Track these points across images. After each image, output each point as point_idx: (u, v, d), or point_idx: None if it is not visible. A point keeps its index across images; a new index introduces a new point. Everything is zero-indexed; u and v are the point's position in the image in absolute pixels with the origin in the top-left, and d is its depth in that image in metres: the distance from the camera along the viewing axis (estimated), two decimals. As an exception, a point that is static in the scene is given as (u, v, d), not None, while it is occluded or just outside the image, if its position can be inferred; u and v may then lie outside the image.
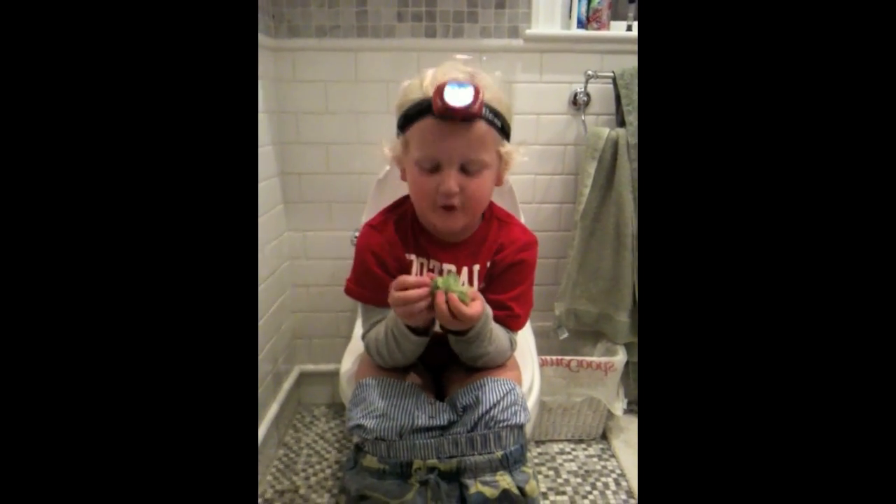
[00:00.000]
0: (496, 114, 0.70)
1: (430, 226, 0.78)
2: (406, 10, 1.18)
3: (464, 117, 0.66)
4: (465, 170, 0.70)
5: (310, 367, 1.41)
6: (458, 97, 0.65)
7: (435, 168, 0.71)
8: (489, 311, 0.73)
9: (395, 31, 1.19)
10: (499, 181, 0.77)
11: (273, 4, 1.16)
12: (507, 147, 0.74)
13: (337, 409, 1.42)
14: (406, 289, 0.67)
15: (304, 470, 1.21)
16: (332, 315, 1.37)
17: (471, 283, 0.79)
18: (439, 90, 0.66)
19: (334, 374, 0.92)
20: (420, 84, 0.70)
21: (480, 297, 0.71)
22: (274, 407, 1.24)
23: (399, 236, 0.79)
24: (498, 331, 0.76)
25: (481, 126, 0.69)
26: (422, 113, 0.69)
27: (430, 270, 0.79)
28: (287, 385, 1.33)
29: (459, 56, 1.18)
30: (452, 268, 0.78)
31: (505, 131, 0.73)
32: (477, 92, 0.66)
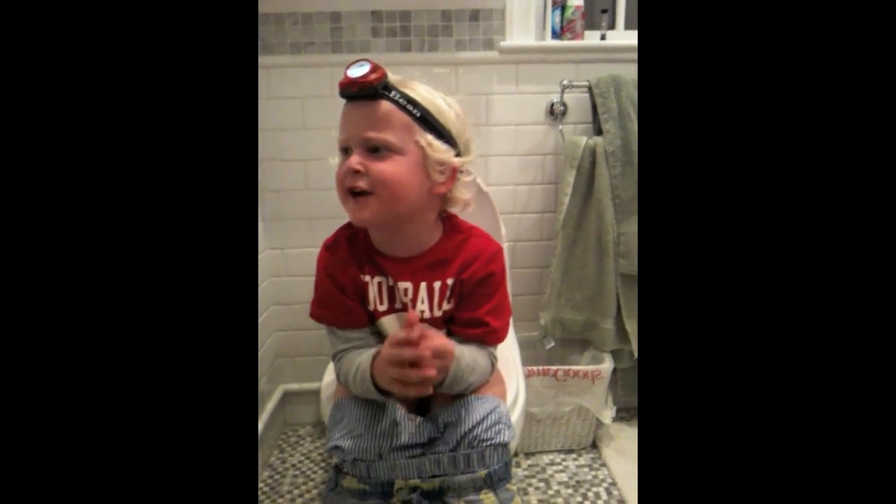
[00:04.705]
0: (412, 102, 0.68)
1: (374, 236, 0.75)
2: (380, 25, 1.18)
3: (360, 88, 0.66)
4: (371, 152, 0.68)
5: (294, 386, 1.39)
6: (355, 71, 0.66)
7: (347, 153, 0.69)
8: (455, 353, 0.69)
9: (370, 46, 1.19)
10: (441, 187, 0.71)
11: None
12: (428, 139, 0.69)
13: (323, 427, 1.40)
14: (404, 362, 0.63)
15: (289, 492, 1.18)
16: (316, 333, 1.35)
17: (431, 301, 0.75)
18: (344, 71, 0.67)
19: (319, 393, 0.91)
20: None
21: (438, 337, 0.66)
22: (258, 427, 1.22)
23: (352, 256, 0.76)
24: (474, 356, 0.73)
25: (385, 105, 0.67)
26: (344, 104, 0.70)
27: (391, 288, 0.75)
28: (271, 405, 1.31)
29: (436, 70, 1.20)
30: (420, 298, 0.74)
31: (427, 123, 0.69)
32: (374, 67, 0.66)
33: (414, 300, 0.74)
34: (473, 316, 0.75)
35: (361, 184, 0.67)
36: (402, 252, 0.75)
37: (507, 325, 0.79)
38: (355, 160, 0.67)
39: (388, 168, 0.67)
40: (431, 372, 0.62)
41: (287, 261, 1.31)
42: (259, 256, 1.25)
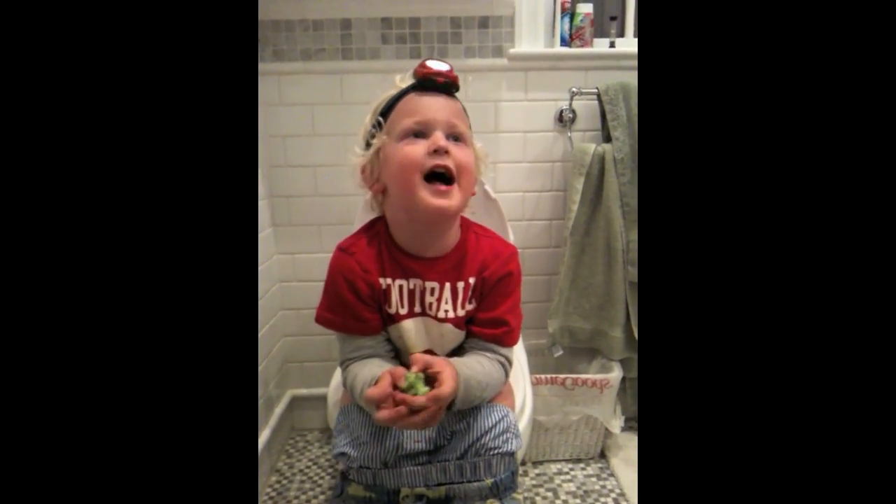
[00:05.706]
0: (463, 107, 0.73)
1: (413, 225, 0.73)
2: (390, 32, 1.19)
3: (445, 81, 0.70)
4: (452, 140, 0.69)
5: (302, 391, 1.40)
6: (438, 65, 0.70)
7: (421, 135, 0.68)
8: (464, 375, 0.66)
9: (379, 53, 1.19)
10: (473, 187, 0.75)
11: (258, 29, 1.17)
12: (476, 142, 0.74)
13: (331, 433, 1.39)
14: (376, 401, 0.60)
15: (297, 497, 1.18)
16: (324, 338, 1.35)
17: (454, 301, 0.74)
18: (422, 64, 0.70)
19: (327, 398, 0.91)
20: (394, 86, 0.72)
21: (447, 377, 0.63)
22: (266, 432, 1.22)
23: (372, 259, 0.74)
24: (486, 371, 0.71)
25: (459, 104, 0.72)
26: (401, 96, 0.71)
27: (411, 290, 0.74)
28: (279, 410, 1.31)
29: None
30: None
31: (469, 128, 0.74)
32: (451, 67, 0.71)
33: (439, 300, 0.74)
34: (493, 316, 0.75)
35: (449, 163, 0.67)
36: (430, 252, 0.74)
37: (520, 326, 0.79)
38: (442, 139, 0.67)
39: (468, 156, 0.70)
40: (431, 414, 0.60)
41: (296, 266, 1.31)
42: (268, 262, 1.26)
